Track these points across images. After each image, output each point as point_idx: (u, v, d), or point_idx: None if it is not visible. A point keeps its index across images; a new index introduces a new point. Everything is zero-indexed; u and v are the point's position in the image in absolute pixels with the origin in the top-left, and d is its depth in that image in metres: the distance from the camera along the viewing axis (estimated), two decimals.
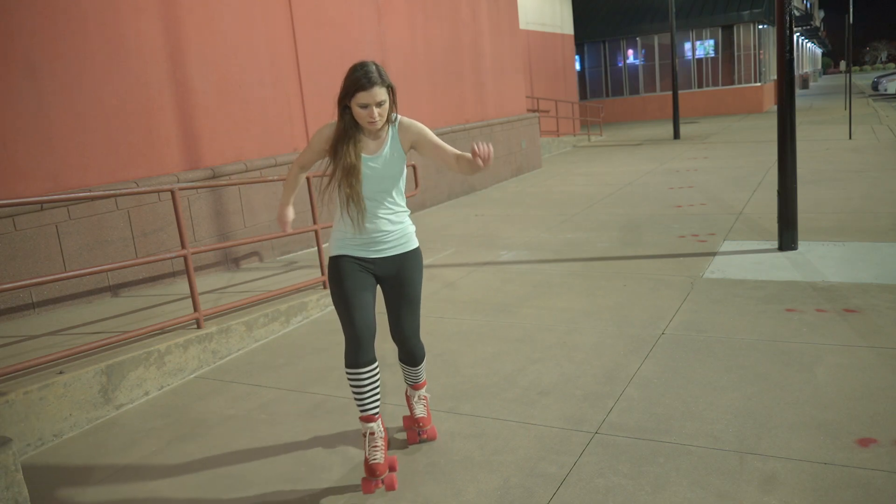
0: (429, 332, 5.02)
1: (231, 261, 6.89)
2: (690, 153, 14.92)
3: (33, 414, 3.76)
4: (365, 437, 3.05)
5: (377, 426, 3.05)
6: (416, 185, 6.97)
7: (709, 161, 13.34)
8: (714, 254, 6.45)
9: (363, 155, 2.96)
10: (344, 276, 3.01)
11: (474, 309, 5.45)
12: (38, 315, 5.33)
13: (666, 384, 3.81)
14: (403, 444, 3.45)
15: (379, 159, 2.98)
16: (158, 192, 5.60)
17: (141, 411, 4.14)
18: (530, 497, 2.89)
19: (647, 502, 2.79)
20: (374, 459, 2.98)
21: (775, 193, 6.41)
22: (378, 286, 3.15)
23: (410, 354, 3.31)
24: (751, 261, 6.11)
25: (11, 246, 5.20)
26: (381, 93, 2.84)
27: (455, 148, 3.04)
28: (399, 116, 3.04)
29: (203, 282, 6.18)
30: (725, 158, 13.49)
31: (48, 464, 3.59)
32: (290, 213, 3.32)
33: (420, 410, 3.44)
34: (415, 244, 3.13)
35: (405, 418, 3.54)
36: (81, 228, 5.64)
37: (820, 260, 5.94)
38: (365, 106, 2.86)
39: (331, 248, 3.12)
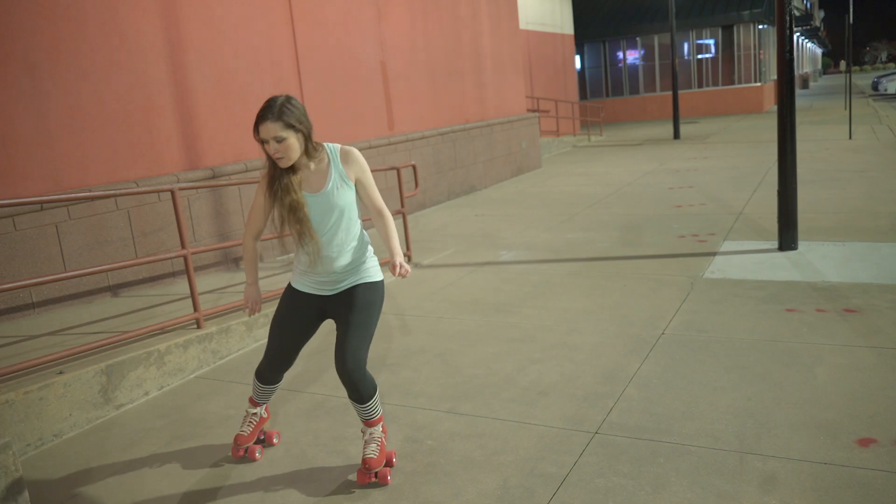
0: (429, 332, 5.02)
1: (231, 261, 6.89)
2: (690, 153, 14.92)
3: (33, 414, 3.76)
4: (246, 415, 3.45)
5: (260, 410, 3.46)
6: (416, 185, 6.98)
7: (709, 161, 13.34)
8: (714, 254, 6.45)
9: (306, 193, 2.91)
10: (287, 307, 3.13)
11: (474, 309, 5.45)
12: (38, 315, 5.33)
13: (666, 384, 3.81)
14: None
15: (323, 196, 2.92)
16: (158, 192, 5.60)
17: (141, 411, 4.14)
18: (530, 497, 2.89)
19: (647, 502, 2.79)
20: (241, 431, 3.42)
21: (775, 193, 6.41)
22: (329, 319, 3.16)
23: (354, 389, 3.00)
24: (751, 261, 6.11)
25: (11, 246, 5.20)
26: (274, 128, 2.76)
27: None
28: (339, 147, 2.98)
29: (203, 282, 6.18)
30: (725, 158, 13.49)
31: (48, 464, 3.59)
32: (257, 292, 3.23)
33: (370, 450, 3.10)
34: (374, 278, 3.07)
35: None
36: (81, 228, 5.64)
37: (820, 260, 5.94)
38: (265, 140, 2.81)
39: (292, 277, 3.18)
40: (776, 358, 4.03)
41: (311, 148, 2.91)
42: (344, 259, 3.00)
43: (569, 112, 21.04)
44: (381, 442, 3.15)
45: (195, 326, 4.80)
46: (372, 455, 3.08)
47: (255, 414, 3.44)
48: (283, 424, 3.77)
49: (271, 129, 2.77)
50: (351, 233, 3.00)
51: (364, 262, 3.07)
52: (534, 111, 16.66)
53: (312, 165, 2.93)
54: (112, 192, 4.88)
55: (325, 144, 2.99)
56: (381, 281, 3.12)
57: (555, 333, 4.75)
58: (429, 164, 10.38)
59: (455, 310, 5.48)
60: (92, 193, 5.02)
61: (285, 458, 3.42)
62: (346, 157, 2.98)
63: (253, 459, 3.40)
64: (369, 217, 3.15)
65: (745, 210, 8.30)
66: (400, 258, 2.96)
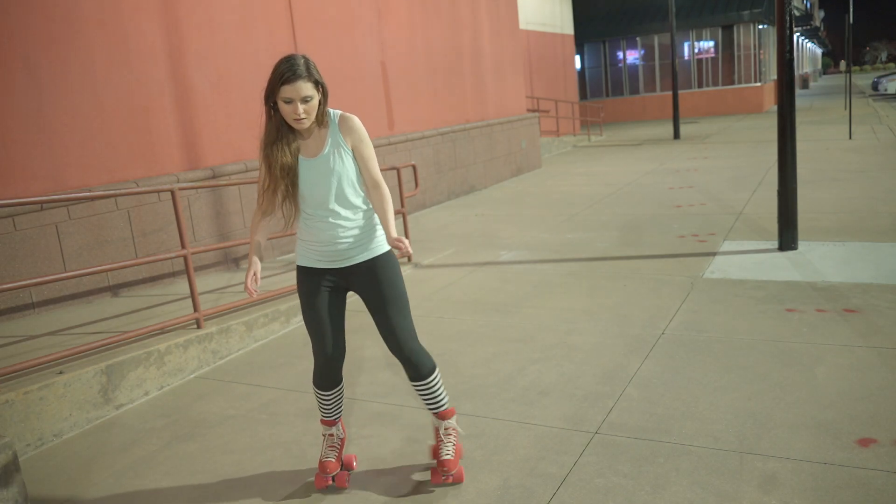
0: (429, 332, 5.02)
1: (231, 261, 6.89)
2: (690, 153, 14.92)
3: (33, 414, 3.76)
4: (324, 437, 3.18)
5: (336, 429, 3.18)
6: (416, 185, 6.98)
7: (709, 161, 13.34)
8: (714, 254, 6.45)
9: (302, 157, 2.80)
10: (306, 293, 2.92)
11: (474, 309, 5.45)
12: (38, 315, 5.33)
13: (666, 384, 3.81)
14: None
15: (320, 160, 2.79)
16: (158, 192, 5.61)
17: (141, 411, 4.14)
18: (530, 497, 2.89)
19: (647, 502, 2.79)
20: (326, 458, 3.12)
21: (775, 193, 6.41)
22: (354, 293, 2.98)
23: (412, 364, 2.97)
24: (751, 261, 6.11)
25: (11, 246, 5.21)
26: (305, 87, 2.65)
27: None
28: (339, 113, 2.85)
29: (203, 282, 6.18)
30: (725, 158, 13.49)
31: (48, 464, 3.59)
32: (255, 263, 2.92)
33: (446, 451, 3.03)
34: (384, 247, 2.92)
35: (432, 448, 3.13)
36: (81, 228, 5.64)
37: (820, 260, 5.94)
38: (289, 101, 2.66)
39: (296, 254, 2.99)
40: (776, 358, 4.03)
41: (322, 111, 2.79)
42: (344, 230, 2.83)
43: (569, 112, 21.04)
44: (457, 439, 3.10)
45: (195, 326, 4.80)
46: (448, 456, 3.01)
47: (331, 435, 3.16)
48: (283, 424, 3.77)
49: (303, 88, 2.64)
50: (351, 202, 2.84)
51: (372, 233, 2.90)
52: (534, 111, 16.66)
53: (316, 130, 2.81)
54: (112, 192, 4.88)
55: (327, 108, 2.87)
56: (391, 250, 2.94)
57: (555, 333, 4.75)
58: (429, 164, 10.38)
59: (455, 310, 5.48)
60: (92, 193, 5.02)
61: (285, 458, 3.42)
62: (343, 124, 2.82)
63: (342, 488, 3.10)
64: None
65: (745, 210, 8.30)
66: (396, 233, 2.79)
